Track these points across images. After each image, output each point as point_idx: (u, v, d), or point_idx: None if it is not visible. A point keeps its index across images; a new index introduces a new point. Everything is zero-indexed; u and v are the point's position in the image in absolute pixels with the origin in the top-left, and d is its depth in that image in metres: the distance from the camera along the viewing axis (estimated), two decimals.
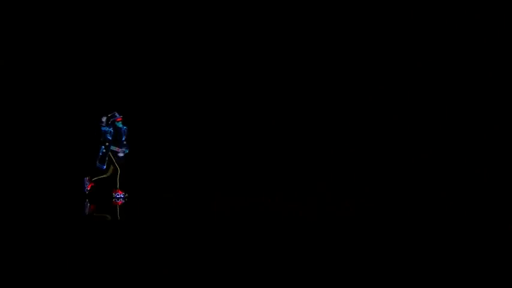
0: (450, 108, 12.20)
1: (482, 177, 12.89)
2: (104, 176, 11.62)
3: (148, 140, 13.93)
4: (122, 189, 11.55)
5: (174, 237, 8.55)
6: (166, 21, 13.71)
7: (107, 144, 11.51)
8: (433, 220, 9.71)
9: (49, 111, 13.63)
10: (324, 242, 8.24)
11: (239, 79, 14.14)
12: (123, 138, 11.61)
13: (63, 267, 6.78)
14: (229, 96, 13.84)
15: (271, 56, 14.11)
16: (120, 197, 11.53)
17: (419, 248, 7.86)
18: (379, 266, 7.12)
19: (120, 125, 11.59)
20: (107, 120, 11.51)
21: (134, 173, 12.57)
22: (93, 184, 11.66)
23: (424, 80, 13.77)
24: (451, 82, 13.66)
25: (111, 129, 11.52)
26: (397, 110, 12.06)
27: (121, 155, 11.56)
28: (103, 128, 11.54)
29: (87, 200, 11.46)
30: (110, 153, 11.52)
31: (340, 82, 13.90)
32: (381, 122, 13.67)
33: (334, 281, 6.60)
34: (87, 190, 11.62)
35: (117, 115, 11.58)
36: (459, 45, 13.68)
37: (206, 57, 14.12)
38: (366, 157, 13.46)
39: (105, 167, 11.55)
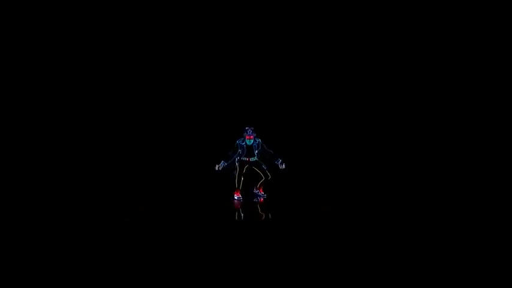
0: (449, 109, 12.22)
1: (482, 177, 12.91)
2: (263, 179, 11.85)
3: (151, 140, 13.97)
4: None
5: (174, 239, 8.57)
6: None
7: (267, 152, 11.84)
8: (432, 221, 9.72)
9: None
10: (323, 243, 8.25)
11: (236, 80, 14.16)
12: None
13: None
14: (229, 96, 13.85)
15: (270, 55, 14.13)
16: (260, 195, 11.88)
17: (419, 249, 7.88)
18: (379, 267, 7.13)
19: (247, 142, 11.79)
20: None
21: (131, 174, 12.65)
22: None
23: (423, 80, 13.79)
24: (450, 83, 13.69)
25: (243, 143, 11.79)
26: (397, 110, 12.08)
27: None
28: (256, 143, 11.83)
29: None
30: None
31: (340, 83, 13.91)
32: (380, 122, 13.69)
33: (334, 282, 6.61)
34: (261, 194, 11.88)
35: (249, 132, 11.72)
36: (458, 46, 13.70)
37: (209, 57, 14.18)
38: (366, 158, 13.47)
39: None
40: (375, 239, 8.44)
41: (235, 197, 11.74)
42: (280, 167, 11.71)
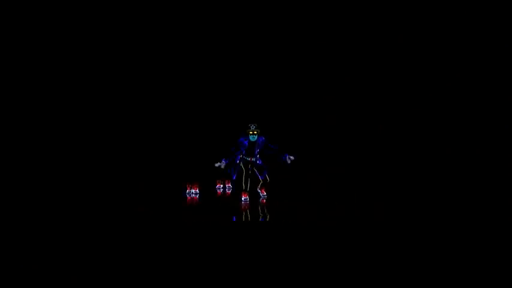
0: (449, 109, 12.25)
1: (483, 177, 12.92)
2: (261, 182, 11.75)
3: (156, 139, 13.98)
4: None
5: (174, 239, 8.58)
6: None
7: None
8: (432, 221, 9.73)
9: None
10: (324, 243, 8.26)
11: (237, 80, 14.17)
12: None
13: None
14: (230, 96, 13.87)
15: (270, 55, 14.15)
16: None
17: (419, 250, 7.88)
18: (380, 268, 7.14)
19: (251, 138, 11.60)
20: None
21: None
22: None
23: (423, 81, 13.80)
24: (450, 83, 13.69)
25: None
26: (397, 110, 12.12)
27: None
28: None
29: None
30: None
31: (340, 83, 13.93)
32: (380, 122, 13.71)
33: (335, 282, 6.61)
34: (263, 195, 11.75)
35: (253, 128, 11.51)
36: (458, 46, 13.71)
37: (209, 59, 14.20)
38: (365, 157, 13.49)
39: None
40: (375, 239, 8.44)
41: (243, 199, 11.66)
42: (289, 161, 11.50)
